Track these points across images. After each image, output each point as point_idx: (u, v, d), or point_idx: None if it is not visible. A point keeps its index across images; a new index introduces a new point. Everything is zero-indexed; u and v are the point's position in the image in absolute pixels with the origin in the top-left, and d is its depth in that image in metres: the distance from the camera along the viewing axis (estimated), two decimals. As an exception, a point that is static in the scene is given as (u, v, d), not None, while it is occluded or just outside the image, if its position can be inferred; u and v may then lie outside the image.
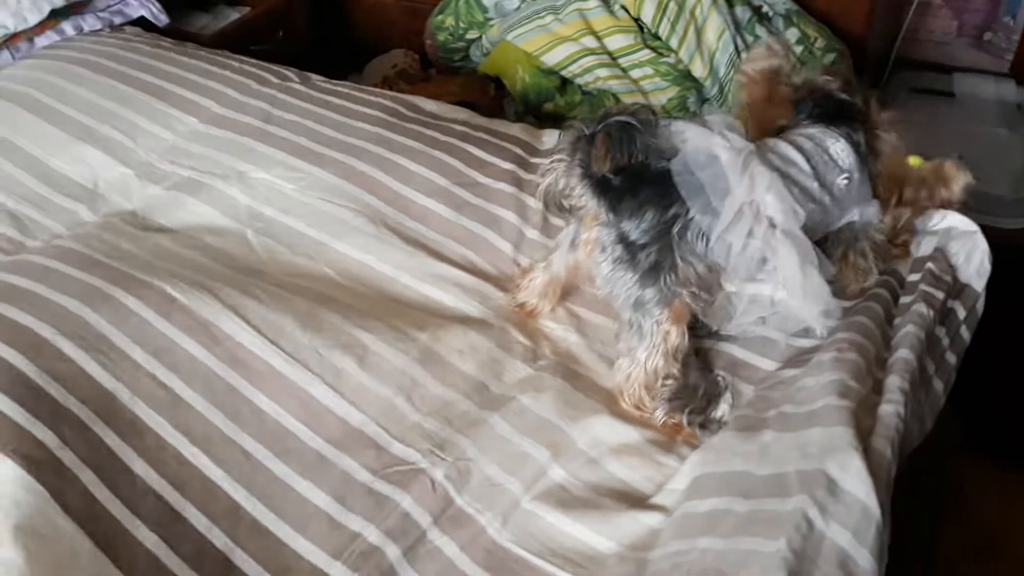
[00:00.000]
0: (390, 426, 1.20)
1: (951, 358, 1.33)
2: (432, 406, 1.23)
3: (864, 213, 1.33)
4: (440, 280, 1.43)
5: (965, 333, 1.36)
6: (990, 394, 1.86)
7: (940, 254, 1.35)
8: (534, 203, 1.53)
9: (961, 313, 1.33)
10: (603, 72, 2.09)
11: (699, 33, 2.05)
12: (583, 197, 1.21)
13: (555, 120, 2.17)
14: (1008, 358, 1.93)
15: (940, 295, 1.30)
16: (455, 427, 1.22)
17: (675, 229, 1.19)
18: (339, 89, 1.89)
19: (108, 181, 1.62)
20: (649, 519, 1.10)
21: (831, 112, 1.34)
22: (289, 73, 1.94)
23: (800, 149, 1.28)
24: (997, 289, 2.12)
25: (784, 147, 1.28)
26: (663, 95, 2.07)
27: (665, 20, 2.05)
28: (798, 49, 2.09)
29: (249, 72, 1.91)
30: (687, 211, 1.19)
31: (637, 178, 1.19)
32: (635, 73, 2.09)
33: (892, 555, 1.07)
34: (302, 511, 1.11)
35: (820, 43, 2.10)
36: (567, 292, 1.42)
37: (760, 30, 2.08)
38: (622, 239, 1.20)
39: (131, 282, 1.26)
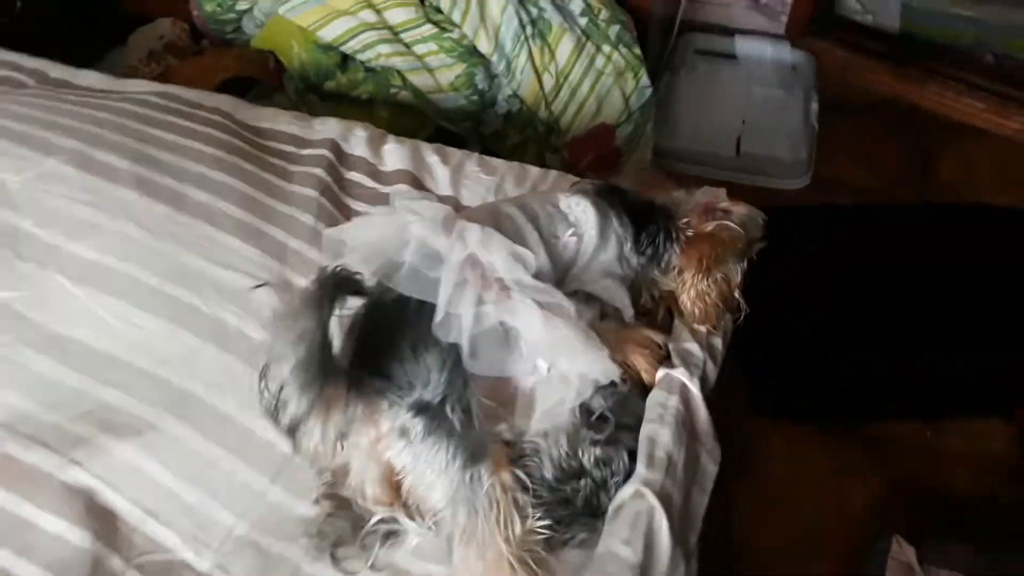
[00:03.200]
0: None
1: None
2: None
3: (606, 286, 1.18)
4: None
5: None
6: (774, 360, 1.95)
7: None
8: (300, 212, 1.40)
9: None
10: (385, 48, 1.97)
11: (481, 6, 1.97)
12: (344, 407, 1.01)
13: (338, 98, 2.04)
14: (789, 321, 2.02)
15: None
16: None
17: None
18: (80, 83, 1.66)
19: None
20: None
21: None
22: (23, 63, 1.70)
23: (518, 204, 1.17)
24: (777, 250, 2.23)
25: (494, 204, 1.19)
26: (449, 72, 1.99)
27: (446, -8, 1.95)
28: (583, 21, 2.06)
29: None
30: None
31: (388, 327, 1.02)
32: (419, 49, 1.99)
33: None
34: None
35: (604, 14, 2.07)
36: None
37: (544, 1, 2.03)
38: (420, 408, 1.01)
39: None
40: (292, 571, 1.06)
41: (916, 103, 2.51)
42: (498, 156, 1.98)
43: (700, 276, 1.17)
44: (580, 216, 1.16)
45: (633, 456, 1.03)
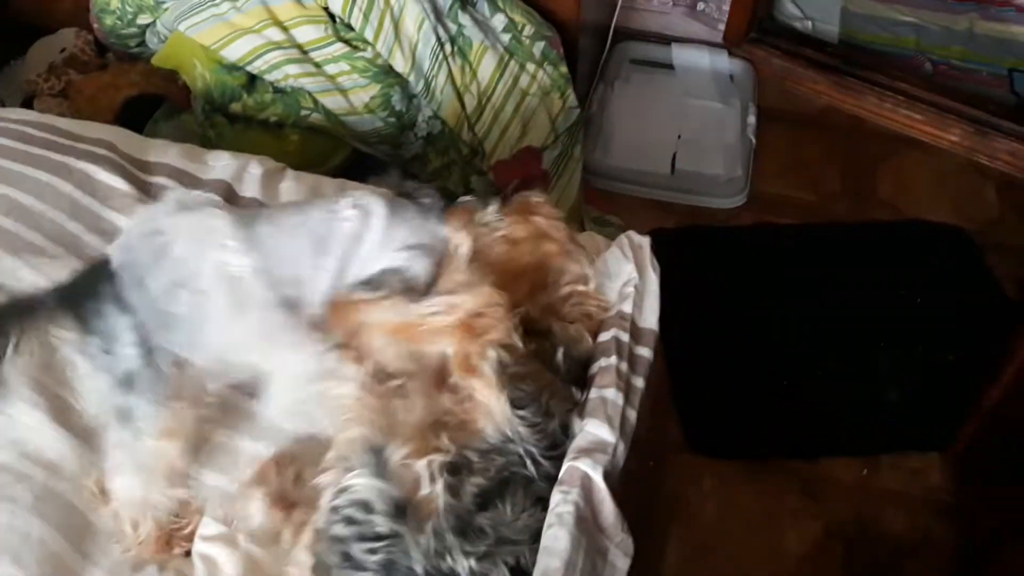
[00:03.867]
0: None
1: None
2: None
3: None
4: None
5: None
6: (705, 393, 1.88)
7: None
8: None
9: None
10: (293, 69, 1.84)
11: (396, 23, 1.85)
12: None
13: (247, 120, 1.92)
14: (722, 351, 1.95)
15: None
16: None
17: None
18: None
19: None
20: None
21: None
22: None
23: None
24: (711, 275, 2.17)
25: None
26: (364, 93, 1.87)
27: (356, 9, 1.82)
28: (505, 38, 1.95)
29: None
30: None
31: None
32: (330, 69, 1.86)
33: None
34: None
35: (528, 30, 1.97)
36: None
37: (464, 17, 1.92)
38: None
39: None
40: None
41: (855, 114, 2.45)
42: (419, 180, 1.89)
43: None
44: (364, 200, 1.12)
45: (516, 570, 0.93)
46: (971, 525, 1.66)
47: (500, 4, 1.97)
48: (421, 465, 0.95)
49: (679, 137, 2.36)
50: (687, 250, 2.17)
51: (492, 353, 1.03)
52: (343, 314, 1.07)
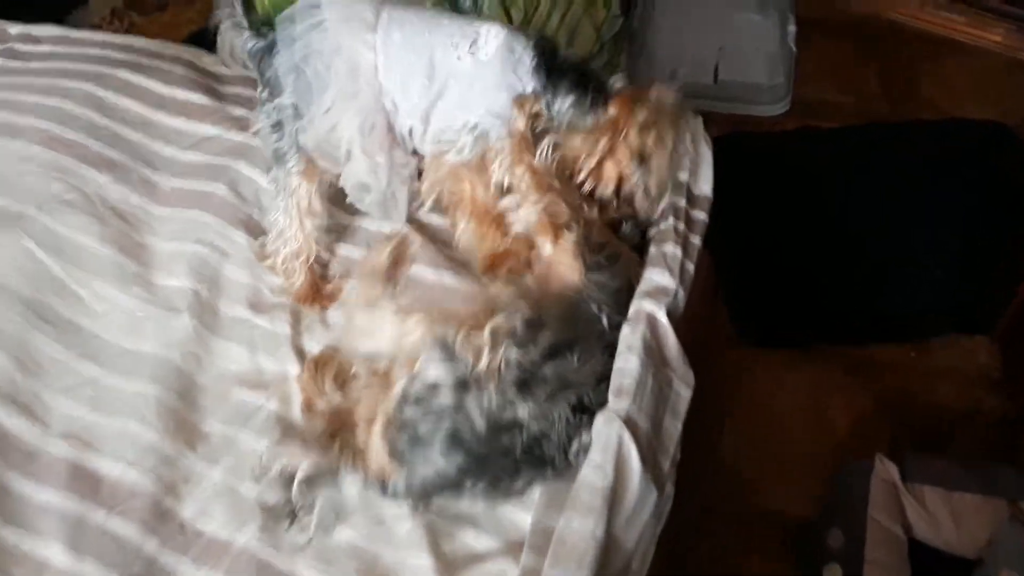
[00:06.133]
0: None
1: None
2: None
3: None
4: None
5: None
6: (753, 289, 1.94)
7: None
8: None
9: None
10: (348, -10, 1.91)
11: (444, -62, 1.91)
12: None
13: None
14: (770, 247, 2.01)
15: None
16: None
17: None
18: (40, 50, 1.64)
19: None
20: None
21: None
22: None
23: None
24: (757, 176, 2.22)
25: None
26: (416, 10, 1.93)
27: (406, -73, 1.88)
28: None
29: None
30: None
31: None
32: (383, -15, 1.92)
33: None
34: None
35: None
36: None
37: (509, -68, 1.97)
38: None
39: None
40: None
41: (894, 19, 2.46)
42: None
43: (632, 130, 1.18)
44: (485, 41, 1.20)
45: (578, 407, 1.03)
46: (1020, 398, 1.72)
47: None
48: (483, 337, 1.03)
49: (720, 49, 2.40)
50: (732, 157, 2.20)
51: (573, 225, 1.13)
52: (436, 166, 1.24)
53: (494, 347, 1.03)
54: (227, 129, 1.47)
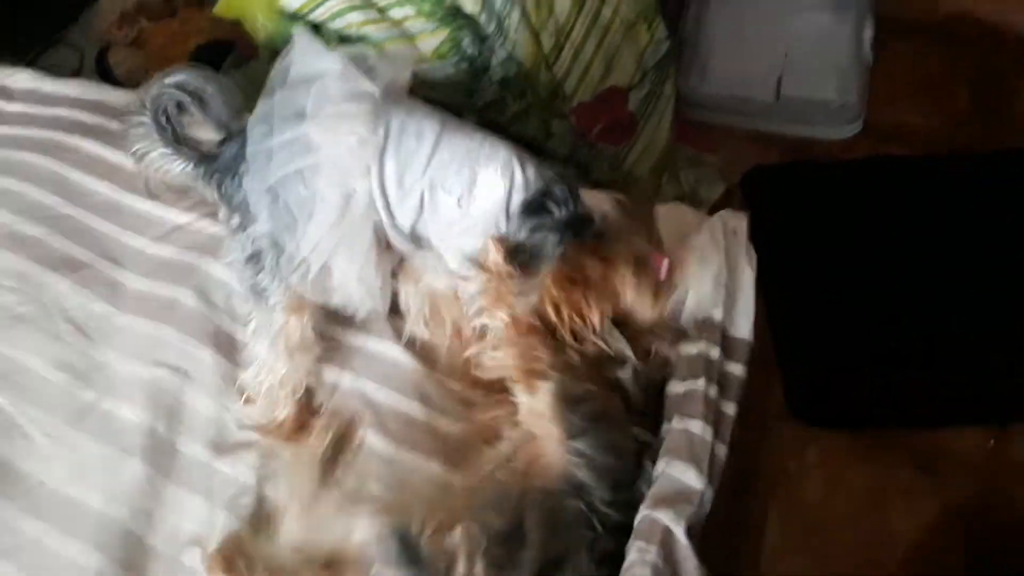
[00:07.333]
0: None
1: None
2: None
3: None
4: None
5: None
6: (811, 355, 1.73)
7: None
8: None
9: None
10: (356, 16, 1.71)
11: (463, -41, 1.69)
12: None
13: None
14: (830, 306, 1.79)
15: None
16: None
17: None
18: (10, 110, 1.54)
19: None
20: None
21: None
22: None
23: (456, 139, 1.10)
24: (818, 215, 1.98)
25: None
26: (432, 38, 1.72)
27: (419, -53, 1.67)
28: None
29: None
30: None
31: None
32: (395, 13, 1.72)
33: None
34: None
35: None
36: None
37: (540, -56, 1.73)
38: None
39: None
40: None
41: (992, 20, 2.14)
42: (497, 128, 1.77)
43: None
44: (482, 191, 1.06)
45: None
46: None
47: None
48: (455, 538, 0.87)
49: (785, 56, 2.13)
50: (792, 189, 1.98)
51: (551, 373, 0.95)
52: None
53: (470, 557, 0.86)
54: (199, 216, 1.32)
